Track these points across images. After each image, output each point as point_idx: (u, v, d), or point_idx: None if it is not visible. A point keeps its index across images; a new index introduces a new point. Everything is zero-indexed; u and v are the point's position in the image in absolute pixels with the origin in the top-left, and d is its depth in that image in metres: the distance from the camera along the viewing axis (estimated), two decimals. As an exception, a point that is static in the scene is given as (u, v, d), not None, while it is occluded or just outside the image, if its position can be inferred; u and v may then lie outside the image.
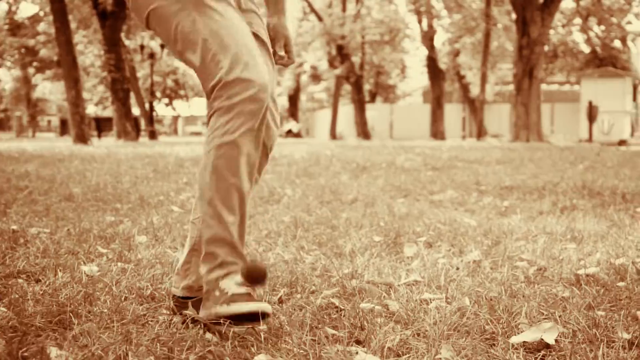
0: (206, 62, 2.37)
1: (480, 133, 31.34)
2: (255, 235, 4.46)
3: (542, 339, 2.33)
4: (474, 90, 41.05)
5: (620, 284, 3.15)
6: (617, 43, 47.92)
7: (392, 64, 45.67)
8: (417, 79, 61.42)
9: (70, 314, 2.52)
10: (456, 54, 39.23)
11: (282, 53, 2.76)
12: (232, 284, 2.38)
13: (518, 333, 2.43)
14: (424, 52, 52.04)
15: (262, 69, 2.37)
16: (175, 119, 63.00)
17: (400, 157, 12.19)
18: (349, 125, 42.17)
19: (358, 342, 2.38)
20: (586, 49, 47.49)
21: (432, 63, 34.43)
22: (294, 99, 51.56)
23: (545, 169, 10.32)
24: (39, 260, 3.50)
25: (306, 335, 2.38)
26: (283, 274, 3.33)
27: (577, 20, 45.26)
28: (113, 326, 2.43)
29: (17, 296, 2.76)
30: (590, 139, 24.96)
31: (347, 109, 44.10)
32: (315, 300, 2.87)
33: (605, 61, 45.36)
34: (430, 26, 34.51)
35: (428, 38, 33.76)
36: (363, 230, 4.67)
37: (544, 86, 40.84)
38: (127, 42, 30.14)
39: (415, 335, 2.42)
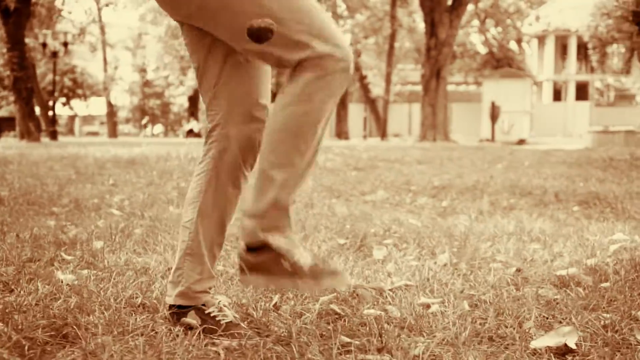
0: (291, 35, 2.21)
1: (385, 133, 31.67)
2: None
3: (565, 344, 2.31)
4: (375, 91, 41.45)
5: (604, 284, 3.17)
6: (512, 45, 49.21)
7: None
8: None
9: (74, 326, 2.38)
10: (358, 54, 39.50)
11: None
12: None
13: (530, 338, 2.41)
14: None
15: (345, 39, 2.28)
16: (72, 118, 61.60)
17: (320, 157, 12.14)
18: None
19: (379, 351, 2.32)
20: (483, 50, 48.61)
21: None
22: (194, 99, 51.08)
23: (467, 168, 10.46)
24: (3, 268, 3.31)
25: (323, 345, 2.31)
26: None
27: (475, 22, 46.24)
28: (123, 339, 2.30)
29: (2, 307, 2.60)
30: (492, 139, 25.51)
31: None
32: (313, 307, 2.80)
33: (501, 62, 46.50)
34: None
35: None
36: (322, 234, 4.60)
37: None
38: (27, 40, 29.20)
39: (439, 343, 2.38)
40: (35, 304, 2.68)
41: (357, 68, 36.33)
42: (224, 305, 2.57)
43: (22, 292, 2.92)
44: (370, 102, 42.51)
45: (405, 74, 45.99)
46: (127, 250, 3.91)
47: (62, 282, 3.07)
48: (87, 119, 66.73)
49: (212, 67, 2.45)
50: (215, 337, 2.38)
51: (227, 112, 2.46)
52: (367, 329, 2.50)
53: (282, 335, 2.45)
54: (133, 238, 4.25)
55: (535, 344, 2.33)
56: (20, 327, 2.37)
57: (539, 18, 44.75)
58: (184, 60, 44.49)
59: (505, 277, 3.31)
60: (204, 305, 2.53)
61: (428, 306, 2.84)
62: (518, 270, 3.51)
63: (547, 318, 2.68)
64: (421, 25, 38.83)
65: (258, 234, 2.24)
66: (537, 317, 2.67)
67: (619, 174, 9.39)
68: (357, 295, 2.99)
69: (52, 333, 2.34)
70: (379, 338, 2.39)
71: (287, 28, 2.17)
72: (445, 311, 2.76)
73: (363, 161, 11.23)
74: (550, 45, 55.28)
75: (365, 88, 41.62)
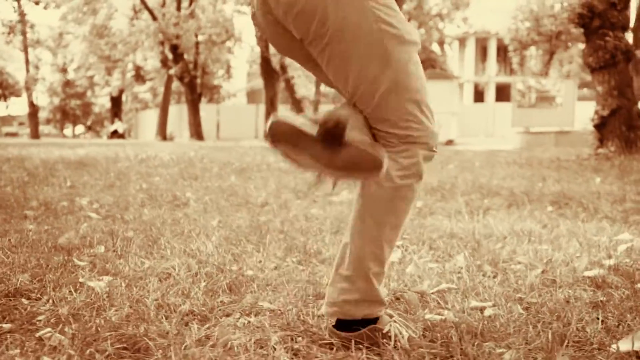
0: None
1: (315, 134, 31.55)
2: (223, 239, 4.21)
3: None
4: (300, 92, 41.36)
5: (638, 285, 3.17)
6: (435, 47, 49.78)
7: (219, 64, 45.39)
8: (241, 79, 61.42)
9: (146, 338, 2.25)
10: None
11: None
12: None
13: (611, 340, 2.38)
14: (249, 52, 52.19)
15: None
16: (-10, 118, 59.98)
17: (268, 158, 12.05)
18: (179, 126, 41.56)
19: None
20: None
21: (266, 64, 34.33)
22: (117, 99, 50.29)
23: (431, 168, 10.45)
24: (18, 276, 3.14)
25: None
26: (301, 284, 3.14)
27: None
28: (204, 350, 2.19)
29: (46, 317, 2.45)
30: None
31: (174, 109, 43.45)
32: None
33: (424, 64, 46.93)
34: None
35: (264, 39, 33.63)
36: (318, 236, 4.52)
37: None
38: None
39: (531, 350, 2.32)
40: (89, 315, 2.54)
41: (284, 69, 36.16)
42: (395, 320, 2.41)
43: (51, 300, 2.77)
44: (296, 102, 42.41)
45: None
46: (133, 255, 3.76)
47: (94, 289, 2.92)
48: (6, 120, 65.06)
49: None
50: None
51: None
52: (432, 334, 2.44)
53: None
54: (134, 242, 4.10)
55: (622, 347, 2.29)
56: (84, 338, 2.23)
57: (467, 20, 45.37)
58: (110, 60, 43.73)
59: (538, 279, 3.28)
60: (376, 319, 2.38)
61: (482, 310, 2.79)
62: (543, 271, 3.49)
63: (603, 320, 2.65)
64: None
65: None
66: (595, 319, 2.64)
67: (573, 174, 9.53)
68: (404, 299, 2.92)
69: (124, 345, 2.20)
70: (459, 344, 2.32)
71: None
72: (500, 314, 2.71)
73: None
74: (470, 47, 56.10)
75: (290, 89, 41.47)
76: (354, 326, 2.30)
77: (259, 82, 52.99)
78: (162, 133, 37.89)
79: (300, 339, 2.40)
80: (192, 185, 7.89)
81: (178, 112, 43.58)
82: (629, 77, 12.81)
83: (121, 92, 49.47)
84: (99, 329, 2.33)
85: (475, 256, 3.84)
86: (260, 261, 3.68)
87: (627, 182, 8.49)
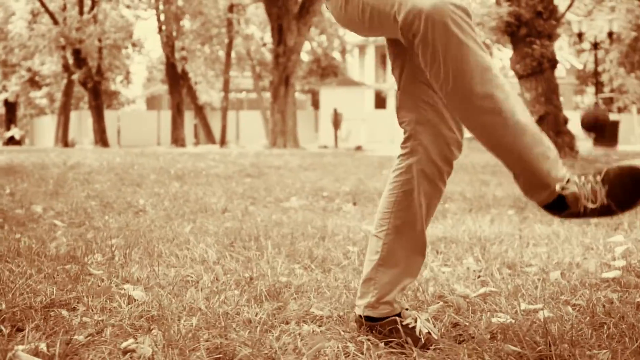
0: None
1: (224, 140, 31.49)
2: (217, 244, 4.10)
3: None
4: (202, 97, 41.07)
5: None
6: (336, 54, 50.13)
7: (118, 70, 44.64)
8: (138, 86, 60.54)
9: (241, 345, 2.15)
10: (185, 60, 38.99)
11: None
12: None
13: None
14: (148, 58, 51.52)
15: None
16: None
17: (200, 164, 11.89)
18: (79, 132, 40.69)
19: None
20: (306, 58, 49.19)
21: (171, 69, 33.94)
22: (12, 105, 48.84)
23: (358, 173, 10.49)
24: (41, 286, 2.98)
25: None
26: (338, 290, 3.07)
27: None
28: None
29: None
30: (336, 145, 25.88)
31: (73, 115, 42.50)
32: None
33: (326, 70, 47.23)
34: (170, 32, 33.92)
35: (169, 44, 33.25)
36: (314, 240, 4.46)
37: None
38: None
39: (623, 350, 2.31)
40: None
41: (185, 75, 35.78)
42: (420, 317, 2.44)
43: (91, 309, 2.64)
44: (198, 109, 42.06)
45: (236, 82, 45.82)
46: (138, 264, 3.62)
47: (135, 298, 2.79)
48: None
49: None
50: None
51: (417, 121, 2.40)
52: (502, 338, 2.41)
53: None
54: (136, 250, 3.95)
55: None
56: (175, 347, 2.11)
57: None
58: (7, 65, 42.38)
59: (564, 281, 3.30)
60: (399, 315, 2.43)
61: (535, 312, 2.78)
62: (562, 273, 3.51)
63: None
64: (257, 34, 38.97)
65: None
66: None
67: (510, 179, 9.69)
68: (452, 303, 2.88)
69: (219, 356, 2.10)
70: (548, 347, 2.30)
71: None
72: (551, 316, 2.70)
73: (249, 168, 11.06)
74: (370, 54, 56.76)
75: (193, 95, 41.11)
76: None
77: (159, 88, 52.32)
78: (64, 140, 36.94)
79: (382, 344, 2.34)
80: (138, 192, 7.70)
81: (77, 118, 42.64)
82: (554, 84, 13.17)
83: (18, 96, 48.03)
84: (183, 339, 2.21)
85: (485, 259, 3.84)
86: (273, 267, 3.59)
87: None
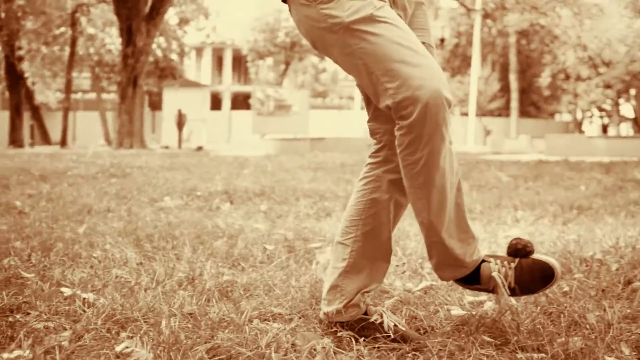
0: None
1: (65, 141, 30.52)
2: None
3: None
4: (39, 98, 39.61)
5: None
6: (174, 55, 49.51)
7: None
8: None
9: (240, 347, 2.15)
10: (20, 59, 37.44)
11: None
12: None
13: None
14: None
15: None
16: None
17: (58, 165, 11.49)
18: None
19: (523, 349, 2.35)
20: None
21: (11, 69, 32.55)
22: None
23: (219, 173, 10.42)
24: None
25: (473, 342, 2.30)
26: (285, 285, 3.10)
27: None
28: None
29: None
30: (180, 146, 25.60)
31: None
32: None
33: (165, 71, 46.61)
34: (11, 32, 32.37)
35: (9, 44, 31.78)
36: (223, 240, 4.44)
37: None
38: None
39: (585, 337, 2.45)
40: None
41: (22, 74, 34.38)
42: (385, 313, 2.50)
43: (47, 314, 2.56)
44: (34, 109, 40.52)
45: (74, 83, 44.40)
46: (60, 266, 3.51)
47: (92, 303, 2.72)
48: None
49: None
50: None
51: (392, 132, 2.44)
52: (468, 329, 2.52)
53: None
54: (55, 252, 3.82)
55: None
56: (172, 349, 2.09)
57: (216, 28, 45.61)
58: None
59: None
60: (365, 313, 2.49)
61: (481, 304, 2.91)
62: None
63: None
64: (99, 35, 37.89)
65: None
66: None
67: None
68: (400, 298, 2.97)
69: (222, 357, 2.09)
70: (517, 337, 2.42)
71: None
72: (498, 307, 2.83)
73: (112, 168, 10.78)
74: (207, 56, 56.56)
75: (30, 95, 39.51)
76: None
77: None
78: None
79: (363, 338, 2.40)
80: (8, 193, 7.39)
81: None
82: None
83: None
84: (176, 340, 2.19)
85: (404, 254, 3.95)
86: (199, 267, 3.56)
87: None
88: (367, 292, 2.51)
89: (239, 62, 57.06)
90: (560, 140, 20.35)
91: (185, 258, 3.83)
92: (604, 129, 52.23)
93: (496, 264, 2.46)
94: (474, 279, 2.48)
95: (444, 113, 2.20)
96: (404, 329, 2.46)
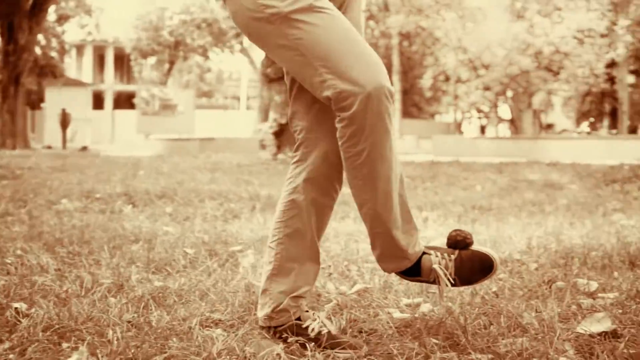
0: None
1: None
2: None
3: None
4: None
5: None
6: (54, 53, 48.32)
7: None
8: None
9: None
10: None
11: None
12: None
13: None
14: None
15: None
16: None
17: None
18: None
19: (467, 350, 2.38)
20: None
21: None
22: None
23: (115, 175, 10.20)
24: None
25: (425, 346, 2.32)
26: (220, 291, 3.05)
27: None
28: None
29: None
30: (64, 146, 24.97)
31: None
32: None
33: (45, 69, 45.43)
34: None
35: None
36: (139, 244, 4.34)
37: None
38: None
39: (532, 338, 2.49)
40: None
41: None
42: (319, 317, 2.47)
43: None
44: None
45: None
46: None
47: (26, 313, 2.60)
48: None
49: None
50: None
51: (309, 129, 2.45)
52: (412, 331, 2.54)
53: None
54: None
55: (592, 328, 2.54)
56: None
57: (99, 26, 44.60)
58: None
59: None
60: (298, 319, 2.44)
61: (417, 306, 2.93)
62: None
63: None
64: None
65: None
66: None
67: (272, 178, 9.91)
68: (337, 301, 2.96)
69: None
70: (465, 339, 2.45)
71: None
72: (435, 309, 2.87)
73: (10, 169, 10.42)
74: (88, 55, 55.42)
75: None
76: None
77: None
78: None
79: (312, 344, 2.38)
80: None
81: None
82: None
83: None
84: (128, 350, 2.12)
85: (328, 256, 3.95)
86: (121, 272, 3.46)
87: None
88: (298, 296, 2.46)
89: (122, 61, 56.05)
90: (447, 141, 20.83)
91: (105, 264, 3.72)
92: (482, 129, 53.66)
93: (436, 256, 2.46)
94: (415, 271, 2.47)
95: (386, 103, 2.19)
96: (334, 333, 2.43)
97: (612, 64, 42.98)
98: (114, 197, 7.56)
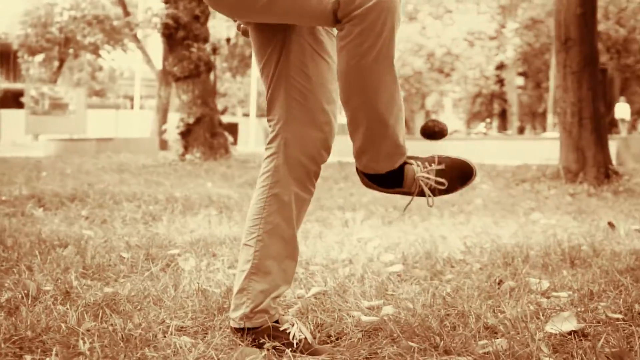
0: None
1: None
2: None
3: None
4: None
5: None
6: None
7: None
8: None
9: None
10: None
11: None
12: None
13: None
14: None
15: None
16: None
17: None
18: None
19: (447, 352, 2.35)
20: None
21: None
22: None
23: (17, 177, 9.84)
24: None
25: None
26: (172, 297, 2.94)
27: None
28: None
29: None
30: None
31: None
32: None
33: None
34: None
35: None
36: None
37: None
38: None
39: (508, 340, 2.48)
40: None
41: None
42: (297, 323, 2.41)
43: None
44: None
45: None
46: None
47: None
48: None
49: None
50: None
51: (286, 120, 2.39)
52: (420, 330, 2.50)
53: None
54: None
55: (563, 327, 2.54)
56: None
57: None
58: None
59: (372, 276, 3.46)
60: (277, 322, 2.38)
61: (379, 308, 2.89)
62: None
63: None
64: None
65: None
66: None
67: (180, 179, 9.77)
68: (299, 305, 2.90)
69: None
70: (438, 338, 2.42)
71: None
72: (397, 311, 2.84)
73: None
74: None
75: None
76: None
77: None
78: None
79: (289, 351, 2.31)
80: None
81: None
82: (211, 87, 13.43)
83: None
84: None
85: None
86: (61, 279, 3.30)
87: (235, 184, 9.01)
88: (277, 297, 2.40)
89: (8, 58, 54.40)
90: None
91: (38, 270, 3.54)
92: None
93: (418, 165, 2.39)
94: (396, 182, 2.40)
95: (395, 4, 2.15)
96: (310, 341, 2.38)
97: (501, 66, 44.16)
98: (21, 199, 7.27)
